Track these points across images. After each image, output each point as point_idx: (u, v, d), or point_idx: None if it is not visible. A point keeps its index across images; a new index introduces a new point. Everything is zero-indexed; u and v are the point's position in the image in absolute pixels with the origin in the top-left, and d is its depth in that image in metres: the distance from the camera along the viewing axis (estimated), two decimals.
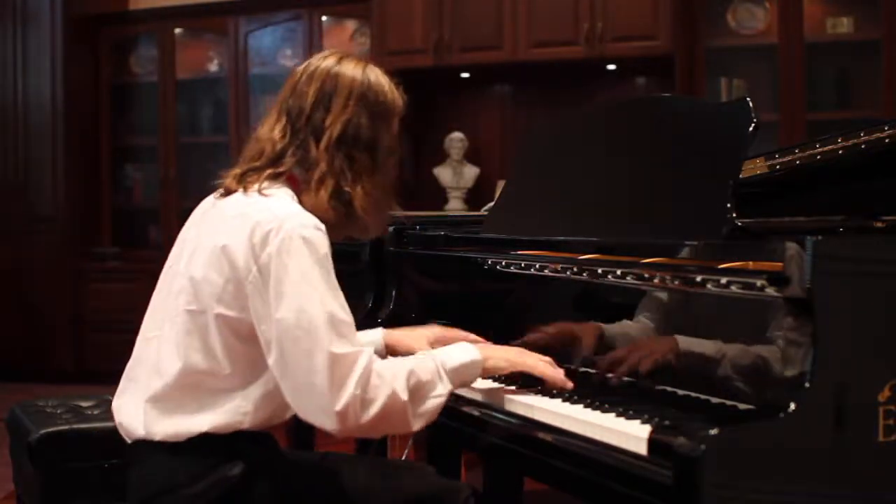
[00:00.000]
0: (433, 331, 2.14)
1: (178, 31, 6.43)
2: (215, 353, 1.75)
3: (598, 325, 1.92)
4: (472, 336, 2.09)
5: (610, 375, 1.85)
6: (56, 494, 2.41)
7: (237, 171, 1.87)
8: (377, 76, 1.89)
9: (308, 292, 1.69)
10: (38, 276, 6.34)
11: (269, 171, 1.83)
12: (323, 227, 1.76)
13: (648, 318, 1.81)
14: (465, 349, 1.86)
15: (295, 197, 1.83)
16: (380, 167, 1.88)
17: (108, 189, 6.58)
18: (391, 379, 1.71)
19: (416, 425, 1.75)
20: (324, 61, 1.89)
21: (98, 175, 6.54)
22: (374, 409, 1.68)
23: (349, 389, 1.66)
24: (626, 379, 1.82)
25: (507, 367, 1.89)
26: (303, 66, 1.91)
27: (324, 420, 1.69)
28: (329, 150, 1.83)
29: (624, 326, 1.86)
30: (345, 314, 1.72)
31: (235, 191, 1.84)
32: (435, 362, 1.79)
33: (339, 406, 1.66)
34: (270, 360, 1.71)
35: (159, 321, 1.86)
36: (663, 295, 1.78)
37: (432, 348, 2.10)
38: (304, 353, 1.67)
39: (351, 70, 1.87)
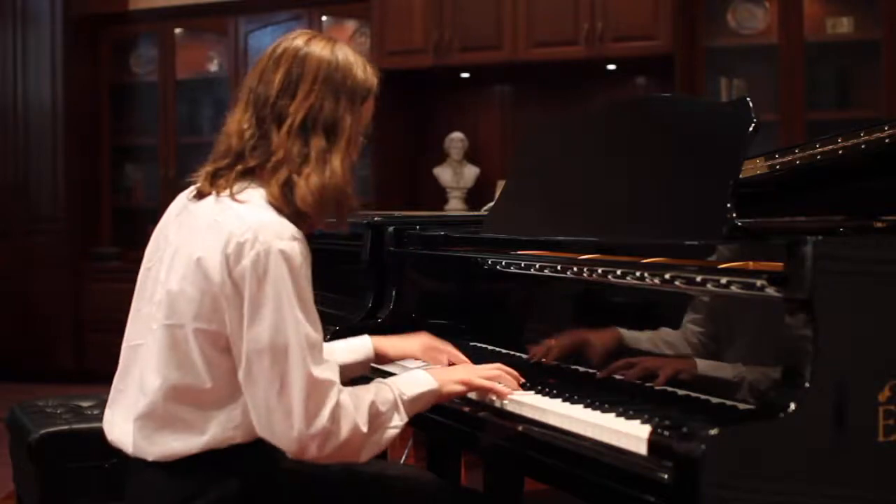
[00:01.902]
0: (424, 339, 2.13)
1: (178, 31, 6.43)
2: (196, 367, 1.70)
3: (612, 332, 1.92)
4: (460, 355, 2.08)
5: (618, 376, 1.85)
6: (56, 494, 2.41)
7: (208, 169, 1.81)
8: (346, 55, 1.80)
9: (283, 312, 1.63)
10: (38, 276, 6.34)
11: (238, 169, 1.76)
12: (300, 234, 1.69)
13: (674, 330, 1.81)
14: (422, 378, 1.83)
15: (266, 195, 1.75)
16: (338, 151, 1.76)
17: (108, 189, 6.58)
18: (354, 411, 1.68)
19: (366, 456, 1.73)
20: (292, 42, 1.80)
21: (98, 175, 6.54)
22: (336, 442, 1.66)
23: (321, 422, 1.64)
24: (617, 376, 1.82)
25: (464, 390, 1.87)
26: (270, 47, 1.82)
27: (284, 444, 1.66)
28: (289, 136, 1.74)
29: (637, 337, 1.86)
30: (317, 333, 1.68)
31: (208, 193, 1.78)
32: (393, 393, 1.77)
33: (308, 433, 1.63)
34: (240, 374, 1.67)
35: (142, 329, 1.81)
36: (661, 298, 1.77)
37: (423, 356, 2.11)
38: (277, 375, 1.63)
39: (319, 50, 1.78)
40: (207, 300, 1.68)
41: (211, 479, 1.73)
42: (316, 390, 1.64)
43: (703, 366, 1.66)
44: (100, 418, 2.56)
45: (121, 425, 1.81)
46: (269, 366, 1.63)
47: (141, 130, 6.61)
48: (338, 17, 6.10)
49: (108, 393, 2.36)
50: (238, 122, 1.79)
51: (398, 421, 1.76)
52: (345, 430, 1.66)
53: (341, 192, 1.77)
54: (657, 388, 1.74)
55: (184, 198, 1.87)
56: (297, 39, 1.81)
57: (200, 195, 1.81)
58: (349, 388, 1.73)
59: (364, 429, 1.69)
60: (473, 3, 5.33)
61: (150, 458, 1.74)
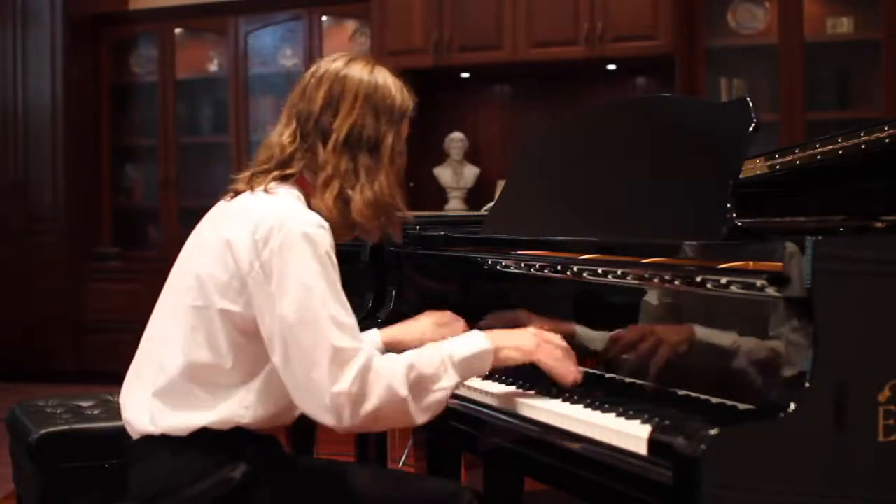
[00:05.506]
0: (432, 317, 2.15)
1: (178, 31, 6.43)
2: (219, 347, 1.77)
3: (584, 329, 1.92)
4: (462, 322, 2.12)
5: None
6: (56, 494, 2.41)
7: (247, 174, 1.90)
8: (384, 77, 1.91)
9: (310, 289, 1.70)
10: (38, 277, 6.33)
11: (276, 173, 1.86)
12: (326, 225, 1.78)
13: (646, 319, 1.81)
14: (475, 339, 1.83)
15: (302, 198, 1.86)
16: (383, 168, 1.87)
17: (108, 189, 6.57)
18: (389, 375, 1.70)
19: (421, 419, 1.75)
20: (332, 64, 1.90)
21: (98, 175, 6.54)
22: (369, 406, 1.68)
23: (344, 385, 1.67)
24: (604, 375, 1.82)
25: (520, 358, 1.84)
26: (312, 69, 1.92)
27: (321, 415, 1.71)
28: (336, 151, 1.84)
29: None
30: (347, 315, 1.73)
31: (244, 191, 1.87)
32: (441, 354, 1.77)
33: (334, 401, 1.67)
34: (274, 357, 1.73)
35: (164, 319, 1.88)
36: (661, 298, 1.77)
37: (435, 334, 2.09)
38: (306, 348, 1.69)
39: (358, 72, 1.88)
40: (235, 282, 1.76)
41: (218, 461, 1.77)
42: (339, 357, 1.68)
43: (703, 365, 1.66)
44: (100, 418, 2.57)
45: (137, 403, 1.85)
46: (300, 340, 1.69)
47: (141, 130, 6.60)
48: (338, 17, 6.10)
49: (107, 392, 2.35)
50: (280, 133, 1.89)
51: (447, 382, 1.75)
52: (377, 393, 1.69)
53: (391, 205, 1.89)
54: (657, 387, 1.74)
55: (221, 202, 1.94)
56: (338, 61, 1.91)
57: (236, 194, 1.89)
58: (385, 356, 1.76)
59: (403, 392, 1.70)
60: (473, 3, 5.33)
61: (161, 431, 1.79)
